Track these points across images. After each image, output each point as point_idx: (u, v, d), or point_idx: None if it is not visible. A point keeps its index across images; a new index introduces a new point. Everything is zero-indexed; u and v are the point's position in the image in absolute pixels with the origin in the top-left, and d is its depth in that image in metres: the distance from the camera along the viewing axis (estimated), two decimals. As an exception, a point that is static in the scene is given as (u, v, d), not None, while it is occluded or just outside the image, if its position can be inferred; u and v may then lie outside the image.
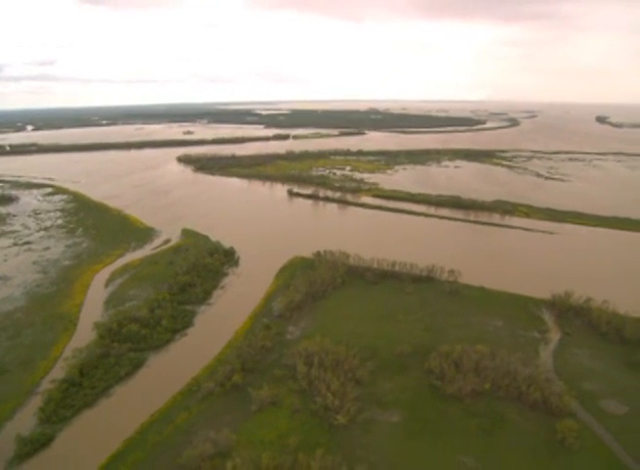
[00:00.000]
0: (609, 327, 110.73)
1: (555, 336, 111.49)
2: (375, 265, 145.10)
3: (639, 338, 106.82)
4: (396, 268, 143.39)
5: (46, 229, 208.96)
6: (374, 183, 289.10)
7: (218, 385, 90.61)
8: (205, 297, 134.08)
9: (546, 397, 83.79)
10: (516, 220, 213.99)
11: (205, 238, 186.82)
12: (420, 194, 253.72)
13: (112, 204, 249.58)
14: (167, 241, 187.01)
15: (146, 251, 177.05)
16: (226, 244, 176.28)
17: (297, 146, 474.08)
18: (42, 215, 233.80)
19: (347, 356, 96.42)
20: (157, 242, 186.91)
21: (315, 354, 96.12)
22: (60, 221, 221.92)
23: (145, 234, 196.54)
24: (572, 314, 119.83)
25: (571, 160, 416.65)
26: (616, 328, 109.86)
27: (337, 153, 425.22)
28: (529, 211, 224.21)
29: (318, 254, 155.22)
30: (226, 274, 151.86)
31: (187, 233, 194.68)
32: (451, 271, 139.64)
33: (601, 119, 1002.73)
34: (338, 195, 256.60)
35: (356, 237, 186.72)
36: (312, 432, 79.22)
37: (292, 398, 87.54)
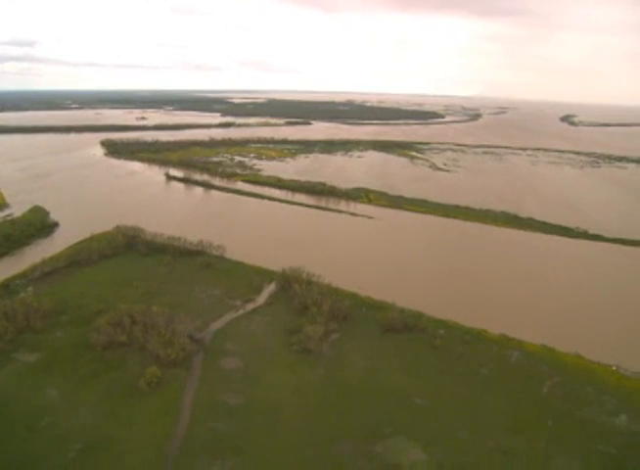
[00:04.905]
0: (302, 297, 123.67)
1: (255, 305, 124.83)
2: (157, 240, 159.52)
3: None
4: (175, 243, 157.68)
5: None
6: (258, 170, 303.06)
7: None
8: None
9: (159, 349, 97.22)
10: (358, 207, 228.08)
11: (45, 214, 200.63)
12: (289, 180, 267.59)
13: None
14: (9, 215, 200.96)
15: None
16: (60, 220, 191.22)
17: (228, 134, 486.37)
18: None
19: (38, 310, 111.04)
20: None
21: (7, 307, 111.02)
22: None
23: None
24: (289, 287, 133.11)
25: (485, 153, 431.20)
26: (306, 299, 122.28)
27: (259, 141, 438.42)
28: (375, 198, 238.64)
29: (117, 228, 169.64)
30: (27, 244, 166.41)
31: (33, 210, 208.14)
32: (217, 247, 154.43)
33: (564, 118, 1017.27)
34: (208, 179, 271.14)
35: (184, 216, 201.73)
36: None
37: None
